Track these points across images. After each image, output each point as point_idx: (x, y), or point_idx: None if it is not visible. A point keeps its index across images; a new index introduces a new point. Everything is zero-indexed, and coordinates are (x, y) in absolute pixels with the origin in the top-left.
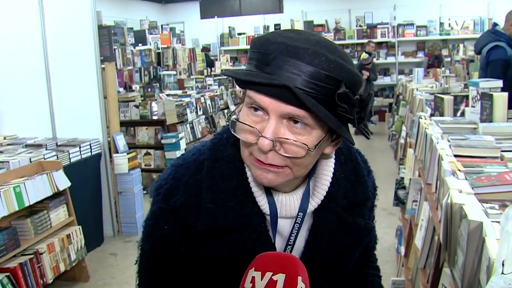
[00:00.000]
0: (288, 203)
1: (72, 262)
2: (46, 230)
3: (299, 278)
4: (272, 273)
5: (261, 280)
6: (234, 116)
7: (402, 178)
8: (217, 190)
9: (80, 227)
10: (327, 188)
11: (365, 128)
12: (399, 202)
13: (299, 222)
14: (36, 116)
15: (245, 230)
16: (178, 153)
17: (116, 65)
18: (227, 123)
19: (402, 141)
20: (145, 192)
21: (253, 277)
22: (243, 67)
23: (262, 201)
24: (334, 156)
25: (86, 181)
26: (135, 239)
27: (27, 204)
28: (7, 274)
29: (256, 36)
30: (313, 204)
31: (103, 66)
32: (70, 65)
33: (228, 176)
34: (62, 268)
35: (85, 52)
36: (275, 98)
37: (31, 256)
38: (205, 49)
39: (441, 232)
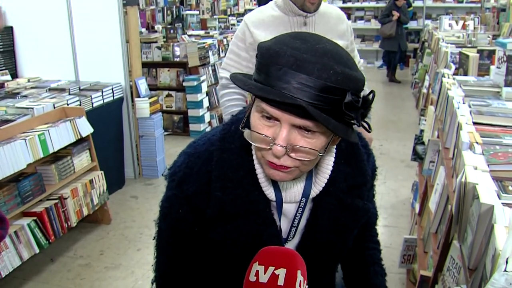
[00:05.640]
0: (292, 190)
1: (95, 206)
2: (69, 175)
3: (298, 271)
4: (274, 267)
5: (264, 274)
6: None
7: (422, 131)
8: (225, 179)
9: (102, 172)
10: (328, 176)
11: (367, 122)
12: (417, 157)
13: (302, 206)
14: (59, 59)
15: (252, 215)
16: (199, 96)
17: (138, 5)
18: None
19: (424, 90)
20: (165, 133)
21: (257, 271)
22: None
23: (268, 190)
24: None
25: (108, 125)
26: (155, 182)
27: (51, 151)
28: (34, 218)
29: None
30: (315, 190)
31: (125, 10)
32: (92, 8)
33: (236, 167)
34: (85, 212)
35: None
36: (287, 112)
37: (56, 201)
38: None
39: (453, 206)
